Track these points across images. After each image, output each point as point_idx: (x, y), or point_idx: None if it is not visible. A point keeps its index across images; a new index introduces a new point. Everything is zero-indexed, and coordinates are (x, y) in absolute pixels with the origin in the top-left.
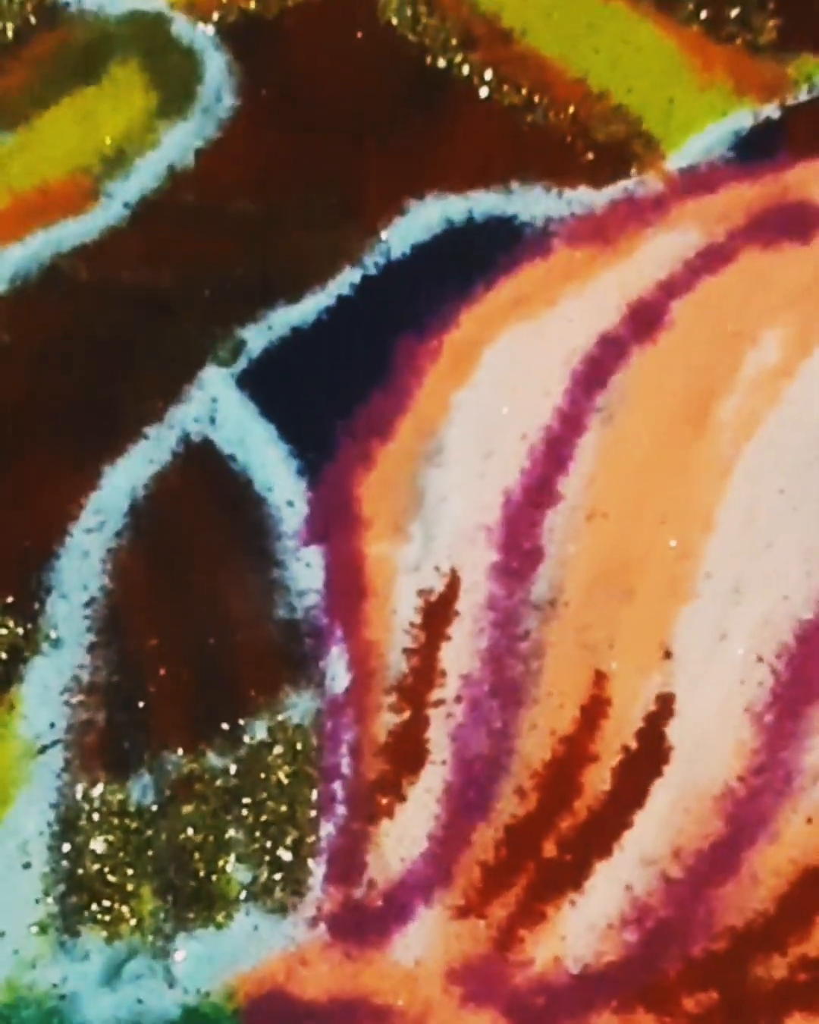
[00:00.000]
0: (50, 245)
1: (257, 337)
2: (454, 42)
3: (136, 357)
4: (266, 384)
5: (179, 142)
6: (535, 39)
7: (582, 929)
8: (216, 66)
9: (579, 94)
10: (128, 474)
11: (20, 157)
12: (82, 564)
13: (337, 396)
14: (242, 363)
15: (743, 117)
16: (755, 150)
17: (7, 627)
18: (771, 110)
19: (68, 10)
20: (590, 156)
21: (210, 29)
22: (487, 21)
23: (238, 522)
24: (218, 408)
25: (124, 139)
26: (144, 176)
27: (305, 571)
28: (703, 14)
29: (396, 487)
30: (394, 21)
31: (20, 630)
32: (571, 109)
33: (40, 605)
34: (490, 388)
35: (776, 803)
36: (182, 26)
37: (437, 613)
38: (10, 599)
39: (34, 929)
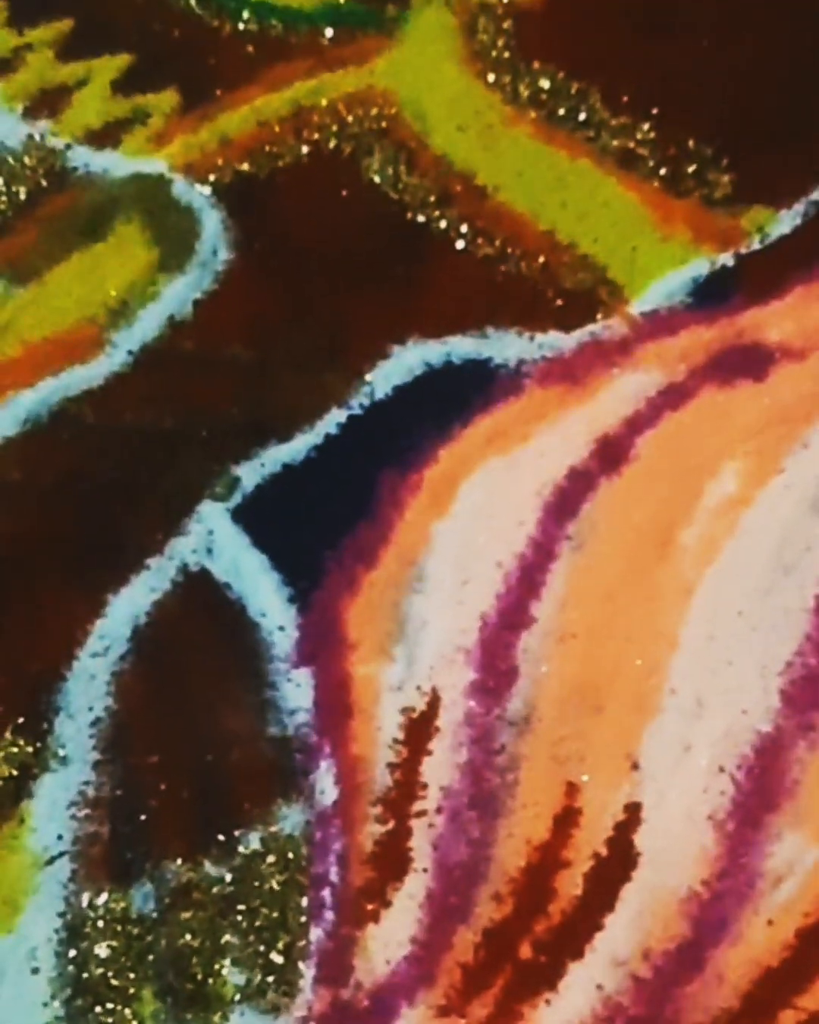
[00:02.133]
0: (59, 390)
1: (250, 474)
2: (432, 199)
3: (138, 493)
4: (259, 517)
5: (178, 294)
6: (507, 195)
7: None
8: (213, 223)
9: (548, 245)
10: (131, 602)
11: (32, 310)
12: (88, 686)
13: (325, 528)
14: (237, 498)
15: (700, 265)
16: (712, 295)
17: (18, 746)
18: (726, 258)
19: (76, 173)
20: (559, 302)
21: (207, 189)
22: (463, 179)
23: (233, 646)
24: (214, 540)
25: (127, 292)
26: (146, 326)
27: (295, 691)
28: (663, 171)
29: (380, 612)
30: (377, 180)
31: (30, 749)
32: (541, 259)
33: (49, 725)
34: (467, 519)
35: (739, 906)
36: (181, 187)
37: (419, 730)
38: (21, 720)
39: None
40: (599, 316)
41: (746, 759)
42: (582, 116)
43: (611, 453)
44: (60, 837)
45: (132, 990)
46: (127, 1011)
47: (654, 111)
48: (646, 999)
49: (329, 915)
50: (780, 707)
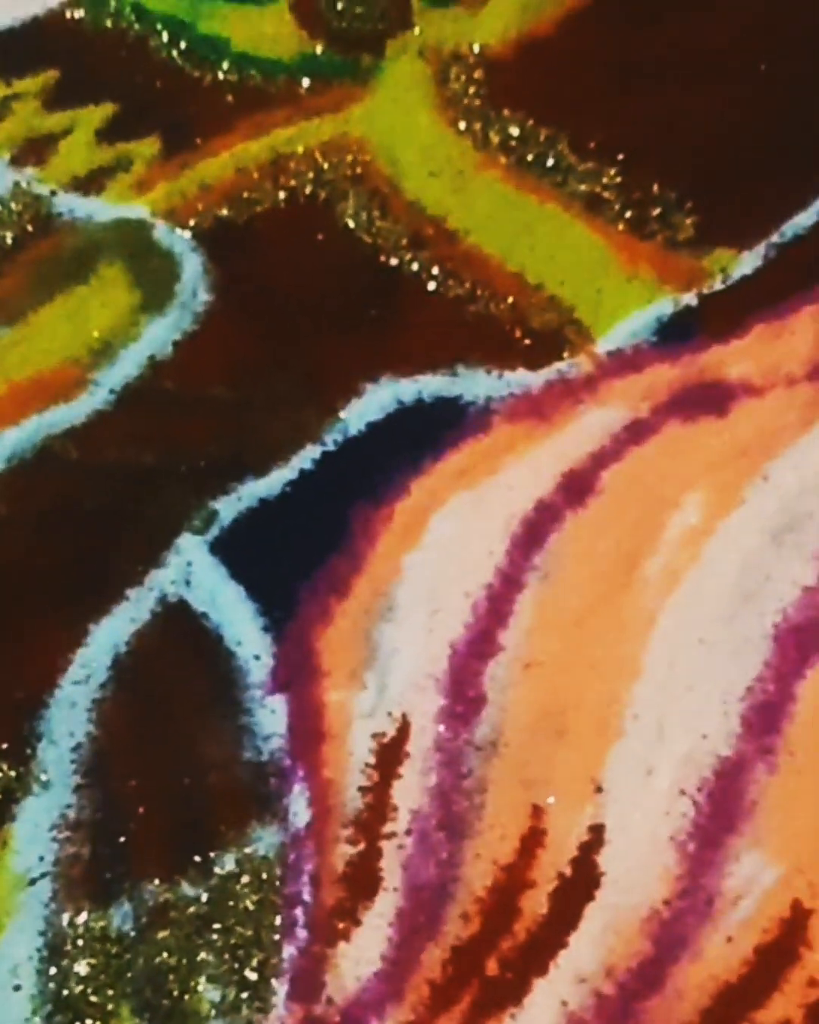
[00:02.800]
0: (43, 428)
1: (228, 508)
2: (405, 242)
3: (119, 527)
4: (236, 550)
5: (159, 335)
6: (478, 238)
7: None
8: (193, 266)
9: (517, 286)
10: (112, 631)
11: (17, 350)
12: (70, 713)
13: (299, 559)
14: (214, 531)
15: (664, 305)
16: (675, 334)
17: (1, 771)
18: (689, 298)
19: (61, 219)
20: (527, 342)
21: (187, 234)
22: (435, 223)
23: (210, 674)
24: (192, 572)
25: (110, 333)
26: (128, 365)
27: (270, 717)
28: (628, 214)
29: (352, 641)
30: (351, 225)
31: (13, 773)
32: (510, 300)
33: (32, 751)
34: (437, 550)
35: (699, 924)
36: (162, 232)
37: (389, 754)
38: (4, 745)
39: None
40: (566, 355)
41: (706, 782)
42: (550, 162)
43: (577, 486)
44: (42, 859)
45: (111, 1006)
46: None
47: (620, 157)
48: (608, 1014)
49: (302, 933)
50: (740, 732)
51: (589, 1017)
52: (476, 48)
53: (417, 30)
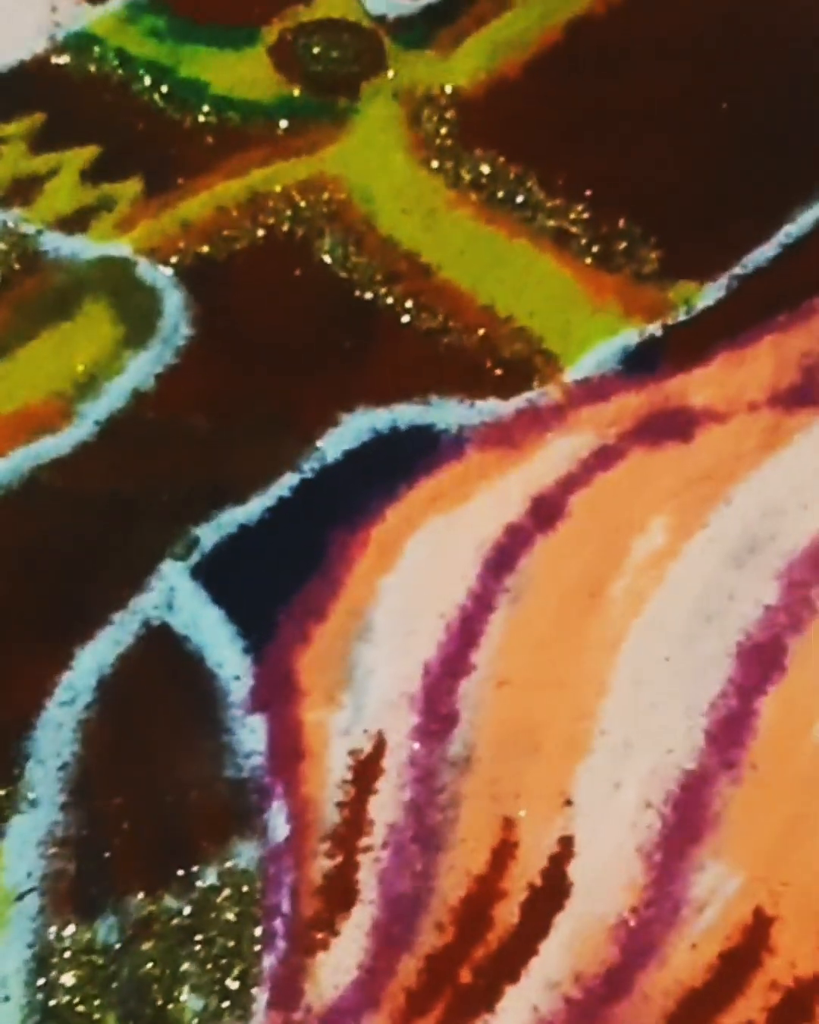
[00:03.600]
0: (30, 458)
1: (209, 534)
2: (379, 277)
3: (104, 553)
4: (216, 575)
5: (142, 368)
6: (450, 273)
7: None
8: (174, 302)
9: (488, 318)
10: (96, 655)
11: (3, 384)
12: (56, 734)
13: (278, 583)
14: (196, 557)
15: (630, 336)
16: (641, 364)
17: None
18: (654, 329)
19: (47, 257)
20: (498, 372)
21: (169, 271)
22: (408, 258)
23: (191, 694)
24: (175, 596)
25: (94, 366)
26: (112, 398)
27: (250, 736)
28: (595, 248)
29: (330, 662)
30: (327, 260)
31: (2, 792)
32: (481, 332)
33: (19, 770)
34: (412, 574)
35: (664, 932)
36: (145, 269)
37: (366, 771)
38: None
39: None
40: (535, 384)
41: (672, 795)
42: (520, 199)
43: (546, 511)
44: (29, 874)
45: (97, 1016)
46: None
47: (587, 193)
48: (577, 1019)
49: (281, 944)
50: (704, 746)
51: (559, 1022)
52: (448, 90)
53: (391, 73)
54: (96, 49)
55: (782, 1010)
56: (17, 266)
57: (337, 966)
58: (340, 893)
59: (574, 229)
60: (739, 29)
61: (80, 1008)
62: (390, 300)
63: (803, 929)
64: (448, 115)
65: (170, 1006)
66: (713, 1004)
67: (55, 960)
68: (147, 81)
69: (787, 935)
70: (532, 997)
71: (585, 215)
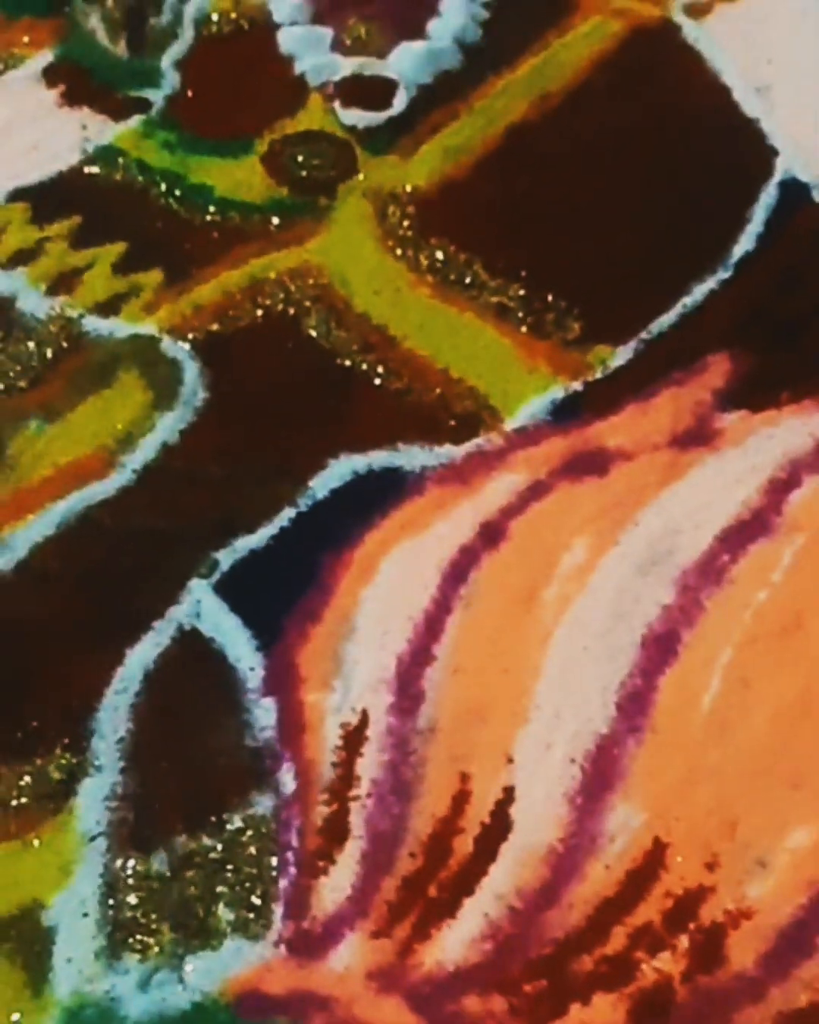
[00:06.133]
0: (83, 500)
1: (227, 558)
2: (356, 347)
3: (144, 575)
4: (234, 590)
5: (169, 426)
6: (413, 343)
7: (456, 943)
8: (192, 372)
9: (444, 380)
10: (142, 654)
11: (59, 441)
12: (114, 715)
13: (283, 596)
14: (216, 576)
15: (557, 391)
16: (566, 414)
17: (66, 758)
18: (577, 386)
19: (88, 336)
20: (452, 423)
21: (187, 346)
22: (379, 331)
23: (217, 683)
24: (201, 607)
25: (131, 425)
26: (146, 450)
27: (264, 714)
28: (529, 320)
29: (324, 655)
30: (314, 334)
31: (75, 760)
32: (438, 390)
33: (87, 743)
34: (386, 586)
35: (585, 857)
36: (167, 344)
37: (353, 739)
38: (67, 740)
39: (92, 956)
40: (482, 433)
41: (590, 753)
42: (468, 279)
43: (491, 534)
44: (98, 822)
45: (155, 926)
46: (151, 941)
47: (522, 274)
48: (519, 922)
49: (292, 871)
50: (615, 715)
51: (504, 924)
52: (409, 189)
53: (361, 176)
54: (120, 160)
55: (673, 913)
56: (65, 344)
57: (335, 886)
58: (336, 832)
59: (512, 304)
60: (648, 134)
61: (141, 920)
62: (365, 366)
63: (690, 852)
64: (409, 210)
65: (210, 918)
66: (622, 909)
67: (120, 886)
68: (163, 187)
69: (678, 857)
70: (484, 906)
71: (521, 292)
